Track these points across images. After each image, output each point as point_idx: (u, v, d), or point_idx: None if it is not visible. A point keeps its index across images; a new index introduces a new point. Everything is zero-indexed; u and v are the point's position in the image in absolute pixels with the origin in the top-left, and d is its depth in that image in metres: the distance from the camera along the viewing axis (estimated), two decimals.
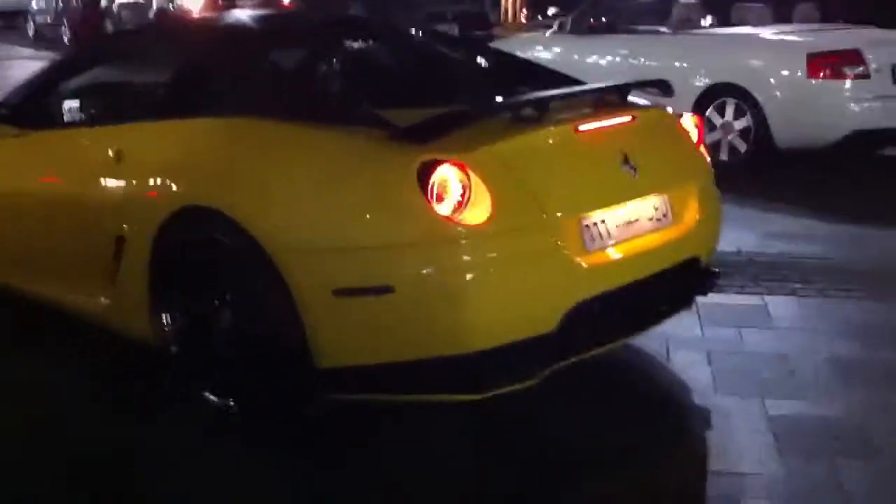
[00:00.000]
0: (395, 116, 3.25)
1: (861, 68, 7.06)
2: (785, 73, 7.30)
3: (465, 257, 3.03)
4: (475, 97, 3.85)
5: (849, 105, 7.13)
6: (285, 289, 3.18)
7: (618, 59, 8.41)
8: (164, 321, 3.61)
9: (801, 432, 3.34)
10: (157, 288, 3.60)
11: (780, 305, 4.54)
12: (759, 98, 7.32)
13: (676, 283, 3.64)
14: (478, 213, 3.05)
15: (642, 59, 8.16)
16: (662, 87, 4.02)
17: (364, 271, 3.08)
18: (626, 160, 3.44)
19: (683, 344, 4.03)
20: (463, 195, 3.04)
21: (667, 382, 3.79)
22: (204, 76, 3.78)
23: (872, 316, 4.43)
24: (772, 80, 7.33)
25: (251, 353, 3.34)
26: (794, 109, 7.23)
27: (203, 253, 3.44)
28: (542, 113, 3.34)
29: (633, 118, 3.60)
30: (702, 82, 7.55)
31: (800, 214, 6.25)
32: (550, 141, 3.33)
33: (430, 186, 3.02)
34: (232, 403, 3.41)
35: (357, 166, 3.17)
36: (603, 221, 3.34)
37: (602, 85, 3.66)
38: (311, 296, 3.15)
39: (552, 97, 3.42)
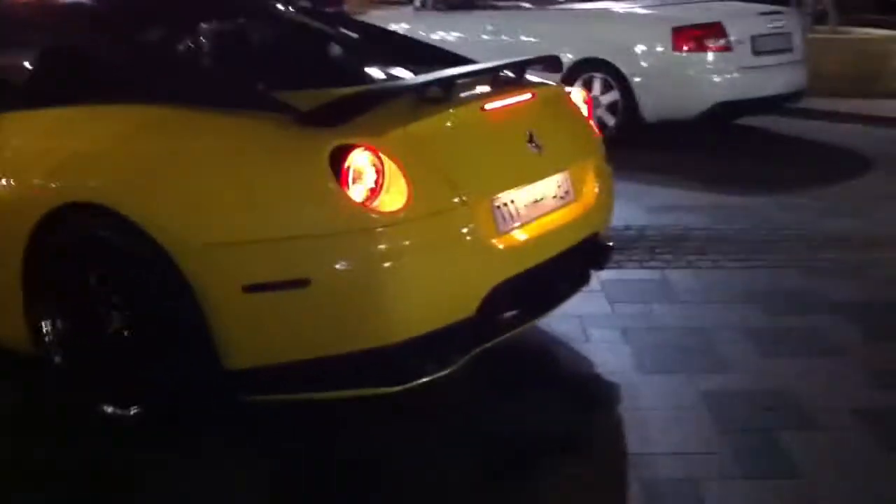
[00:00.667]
0: (289, 100, 3.02)
1: (723, 41, 7.23)
2: (651, 46, 7.39)
3: (384, 245, 2.84)
4: (366, 77, 3.66)
5: (713, 77, 7.30)
6: (187, 288, 2.91)
7: (484, 35, 8.33)
8: (44, 329, 3.28)
9: (735, 406, 3.32)
10: (34, 293, 3.27)
11: (681, 278, 4.54)
12: (626, 72, 7.39)
13: (579, 259, 3.59)
14: (394, 199, 2.87)
15: (507, 36, 8.11)
16: (553, 63, 3.96)
17: (277, 265, 2.84)
18: (531, 139, 3.35)
19: (597, 322, 3.96)
20: (377, 181, 2.87)
21: (591, 364, 3.69)
22: (77, 59, 3.45)
23: (768, 284, 4.48)
24: (638, 54, 7.41)
25: (151, 358, 3.09)
26: (660, 83, 7.32)
27: (87, 254, 3.12)
28: (448, 92, 3.20)
29: (534, 95, 3.52)
30: (568, 58, 7.56)
31: (677, 186, 6.33)
32: (459, 121, 3.17)
33: (343, 173, 2.83)
34: (132, 413, 3.15)
35: (264, 154, 2.91)
36: (513, 201, 3.23)
37: (500, 62, 3.54)
38: (217, 294, 2.90)
39: (457, 76, 3.28)
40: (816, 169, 6.90)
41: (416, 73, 3.70)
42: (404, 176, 2.90)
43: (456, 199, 3.01)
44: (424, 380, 3.01)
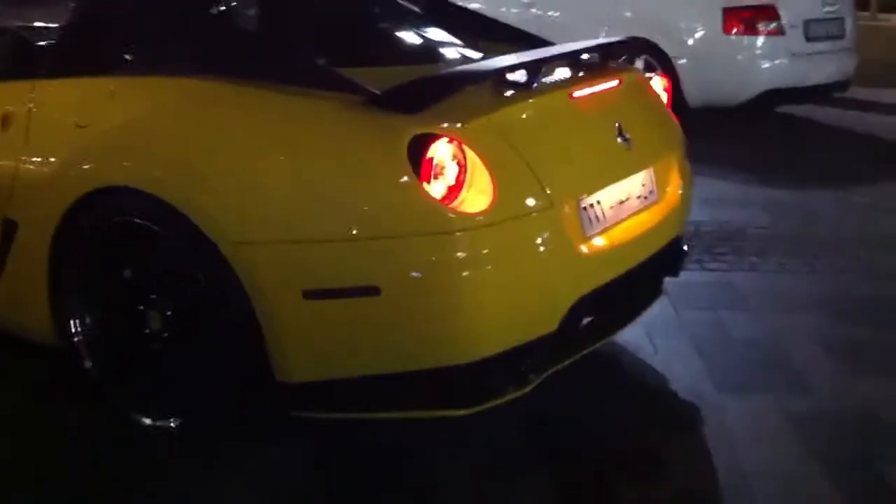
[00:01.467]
0: (354, 78, 2.70)
1: (775, 24, 6.87)
2: (699, 27, 7.03)
3: (466, 251, 2.51)
4: (434, 54, 3.32)
5: (763, 62, 6.95)
6: (240, 289, 2.60)
7: (513, 9, 7.95)
8: (73, 328, 2.95)
9: (827, 433, 3.03)
10: (62, 288, 2.94)
11: (746, 282, 4.23)
12: (671, 53, 7.04)
13: (658, 266, 3.27)
14: (478, 197, 2.54)
15: (546, 10, 7.74)
16: (638, 47, 3.60)
17: (343, 268, 2.53)
18: (619, 131, 3.03)
19: (664, 332, 3.64)
20: (458, 177, 2.55)
21: (664, 380, 3.39)
22: (117, 21, 3.09)
23: (837, 290, 4.19)
24: (684, 35, 7.06)
25: (194, 365, 2.77)
26: (707, 66, 6.98)
27: (124, 246, 2.81)
28: (533, 77, 2.86)
29: (620, 82, 3.18)
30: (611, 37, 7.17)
31: (726, 178, 5.97)
32: (546, 110, 2.84)
33: (424, 166, 2.50)
34: (173, 425, 2.83)
35: (332, 140, 2.59)
36: (599, 202, 2.89)
37: (584, 44, 3.19)
38: (274, 298, 2.58)
39: (544, 59, 2.94)
40: (868, 163, 6.57)
41: (484, 52, 3.35)
42: (489, 172, 2.56)
43: (543, 200, 2.68)
44: (497, 402, 2.70)
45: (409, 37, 3.63)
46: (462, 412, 2.67)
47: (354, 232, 2.53)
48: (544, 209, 2.68)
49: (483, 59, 3.16)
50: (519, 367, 2.69)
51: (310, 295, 2.56)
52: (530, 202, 2.64)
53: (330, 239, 2.54)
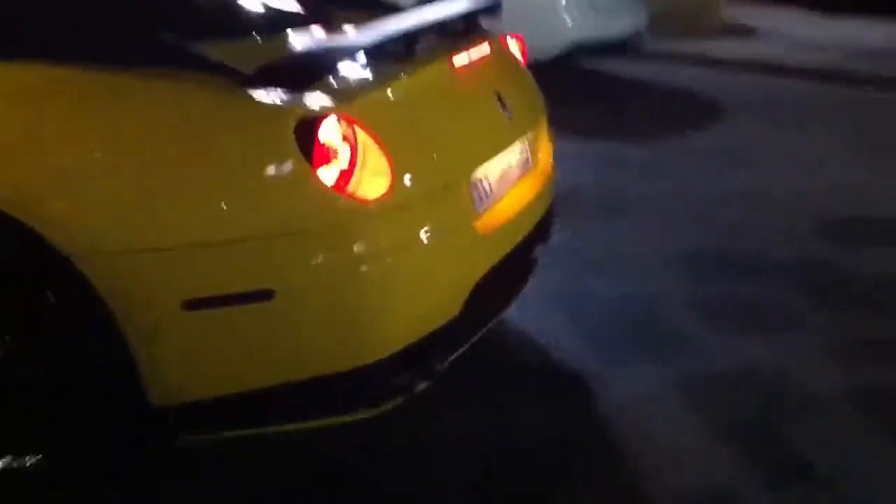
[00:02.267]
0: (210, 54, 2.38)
1: None
2: None
3: (367, 242, 2.29)
4: (280, 23, 3.01)
5: (570, 16, 7.01)
6: (98, 305, 2.25)
7: None
8: None
9: (715, 396, 3.02)
10: None
11: (599, 243, 4.24)
12: None
13: (537, 235, 3.15)
14: (374, 181, 2.30)
15: None
16: (492, 9, 3.42)
17: (229, 273, 2.22)
18: (500, 99, 2.86)
19: (537, 303, 3.55)
20: (352, 160, 2.30)
21: (546, 357, 3.31)
22: None
23: (691, 248, 4.25)
24: None
25: (48, 396, 2.38)
26: (519, 22, 6.91)
27: None
28: (413, 47, 2.63)
29: (491, 48, 3.00)
30: None
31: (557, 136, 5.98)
32: (431, 82, 2.63)
33: (316, 150, 2.23)
34: (29, 463, 2.42)
35: (206, 128, 2.26)
36: (486, 177, 2.72)
37: (452, 8, 2.97)
38: (146, 313, 2.24)
39: (420, 28, 2.69)
40: (689, 117, 6.72)
41: (333, 20, 3.07)
42: (384, 152, 2.32)
43: (440, 179, 2.49)
44: (405, 398, 2.49)
45: (250, 5, 3.28)
46: (371, 413, 2.44)
47: (239, 231, 2.22)
48: (443, 189, 2.48)
49: (340, 28, 2.87)
50: (425, 358, 2.48)
51: (190, 305, 2.24)
52: (428, 183, 2.43)
53: (211, 241, 2.22)
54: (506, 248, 2.76)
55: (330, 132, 2.24)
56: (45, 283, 2.29)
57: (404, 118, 2.46)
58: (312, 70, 2.32)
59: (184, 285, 2.24)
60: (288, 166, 2.22)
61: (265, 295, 2.23)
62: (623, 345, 3.36)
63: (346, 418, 2.44)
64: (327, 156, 2.23)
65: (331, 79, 2.35)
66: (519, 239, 2.85)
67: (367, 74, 2.47)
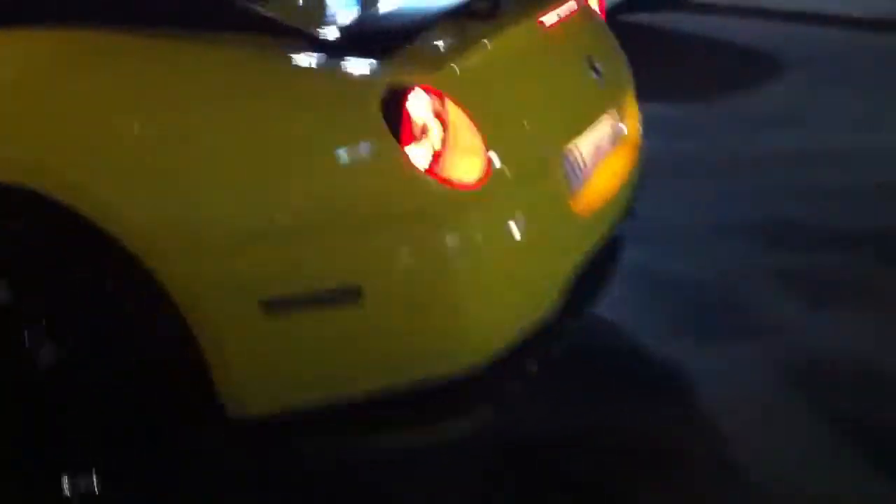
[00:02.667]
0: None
1: None
2: None
3: (466, 232, 2.00)
4: None
5: None
6: (168, 307, 1.98)
7: None
8: None
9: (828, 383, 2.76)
10: None
11: (660, 212, 3.89)
12: None
13: (628, 212, 2.86)
14: (469, 163, 2.01)
15: None
16: None
17: (312, 269, 1.95)
18: (591, 63, 2.56)
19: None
20: (443, 139, 2.01)
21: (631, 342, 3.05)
22: None
23: (763, 215, 3.96)
24: None
25: (113, 407, 2.13)
26: None
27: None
28: (497, 5, 2.33)
29: (577, 4, 2.70)
30: None
31: None
32: (520, 43, 2.33)
33: (405, 127, 1.95)
34: (95, 484, 2.17)
35: (280, 102, 1.97)
36: (579, 150, 2.44)
37: None
38: (220, 316, 1.97)
39: None
40: (734, 72, 6.39)
41: None
42: (477, 128, 2.04)
43: (536, 155, 2.20)
44: (504, 402, 2.24)
45: None
46: (467, 424, 2.18)
47: (323, 221, 1.95)
48: (537, 168, 2.20)
49: None
50: (524, 358, 2.21)
51: (270, 307, 1.97)
52: (522, 161, 2.14)
53: (292, 233, 1.95)
54: (602, 229, 2.49)
55: (420, 106, 1.96)
56: (107, 283, 2.02)
57: (494, 88, 2.17)
58: (397, 34, 2.03)
59: (262, 284, 1.96)
60: (373, 144, 1.94)
61: (351, 294, 1.96)
62: (713, 327, 3.09)
63: (439, 430, 2.17)
64: (417, 133, 1.95)
65: (415, 45, 2.05)
66: (614, 218, 2.57)
67: (451, 39, 2.17)
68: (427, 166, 1.95)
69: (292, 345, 2.02)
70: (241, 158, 1.95)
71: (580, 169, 2.41)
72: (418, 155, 1.95)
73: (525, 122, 2.20)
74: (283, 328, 1.99)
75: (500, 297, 2.08)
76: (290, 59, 1.99)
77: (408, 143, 1.94)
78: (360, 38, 2.02)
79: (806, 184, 4.28)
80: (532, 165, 2.17)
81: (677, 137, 4.84)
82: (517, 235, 2.10)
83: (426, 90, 1.97)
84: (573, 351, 2.73)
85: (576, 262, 2.33)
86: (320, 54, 1.99)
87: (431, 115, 1.97)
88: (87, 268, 2.03)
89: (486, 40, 2.22)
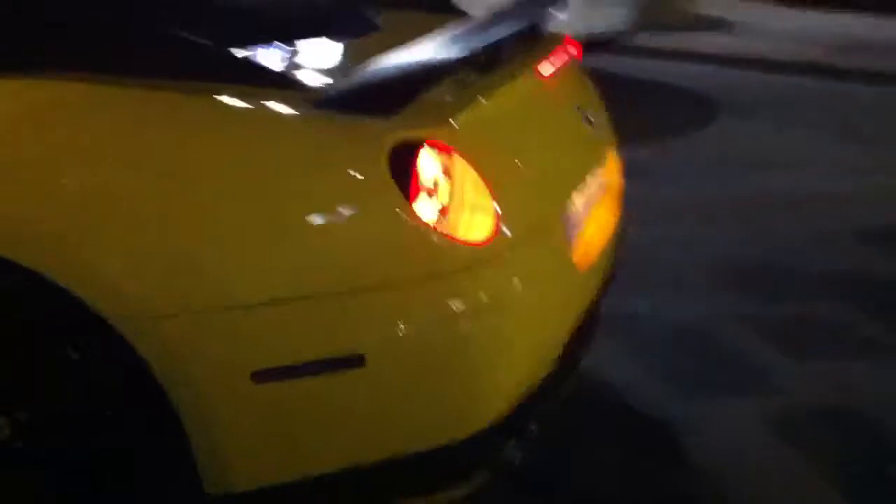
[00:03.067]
0: None
1: None
2: None
3: (477, 293, 1.88)
4: (333, 28, 2.58)
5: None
6: (147, 378, 1.81)
7: None
8: None
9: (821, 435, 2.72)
10: None
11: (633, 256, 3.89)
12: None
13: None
14: (479, 220, 1.91)
15: None
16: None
17: (312, 337, 1.81)
18: (584, 113, 2.49)
19: None
20: (452, 196, 1.90)
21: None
22: None
23: (734, 259, 3.93)
24: None
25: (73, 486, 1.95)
26: None
27: None
28: (497, 57, 2.23)
29: (568, 53, 2.63)
30: None
31: None
32: (520, 96, 2.24)
33: (412, 183, 1.84)
34: None
35: (279, 157, 1.84)
36: (574, 201, 2.36)
37: (526, 8, 2.57)
38: (209, 386, 1.82)
39: (502, 37, 2.28)
40: (689, 116, 6.41)
41: (375, 20, 2.63)
42: (486, 184, 1.93)
43: (543, 211, 2.10)
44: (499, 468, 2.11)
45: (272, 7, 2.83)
46: (465, 491, 2.05)
47: (324, 283, 1.82)
48: (545, 222, 2.10)
49: (400, 35, 2.44)
50: (526, 419, 2.10)
51: (263, 377, 1.82)
52: (529, 217, 2.04)
53: (289, 297, 1.81)
54: (597, 281, 2.40)
55: (429, 162, 1.85)
56: (73, 348, 1.86)
57: (499, 142, 2.07)
58: (401, 88, 1.91)
59: (254, 353, 1.82)
60: (381, 202, 1.82)
61: (354, 361, 1.83)
62: (695, 377, 3.03)
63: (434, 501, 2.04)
64: (427, 191, 1.84)
65: (419, 99, 1.94)
66: (608, 268, 2.48)
67: (453, 91, 2.07)
68: (436, 224, 1.84)
69: (286, 416, 1.87)
70: (238, 219, 1.81)
71: (574, 220, 2.31)
72: (426, 212, 1.83)
73: (529, 176, 2.11)
74: (275, 399, 1.84)
75: (509, 359, 1.97)
76: (292, 114, 1.87)
77: (415, 199, 1.82)
78: (363, 92, 1.90)
79: (785, 228, 4.28)
80: (538, 220, 2.07)
81: (646, 181, 4.81)
82: (527, 295, 1.99)
83: (435, 146, 1.86)
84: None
85: (576, 317, 2.24)
86: (323, 109, 1.87)
87: (440, 172, 1.86)
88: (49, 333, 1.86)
89: (488, 92, 2.12)
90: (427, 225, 1.82)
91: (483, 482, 2.06)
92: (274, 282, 1.80)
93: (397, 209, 1.81)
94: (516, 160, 2.09)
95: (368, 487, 1.98)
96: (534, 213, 2.07)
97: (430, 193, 1.85)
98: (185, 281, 1.79)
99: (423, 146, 1.84)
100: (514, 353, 1.97)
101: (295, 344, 1.82)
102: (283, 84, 1.90)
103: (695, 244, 4.09)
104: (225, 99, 1.87)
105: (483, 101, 2.08)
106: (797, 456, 2.63)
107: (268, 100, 1.86)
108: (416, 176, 1.82)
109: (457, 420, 1.93)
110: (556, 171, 2.25)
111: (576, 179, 2.32)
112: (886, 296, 3.61)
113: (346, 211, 1.84)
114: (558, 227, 2.18)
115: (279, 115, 1.87)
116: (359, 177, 1.84)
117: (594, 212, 2.49)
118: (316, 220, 1.84)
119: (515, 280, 1.96)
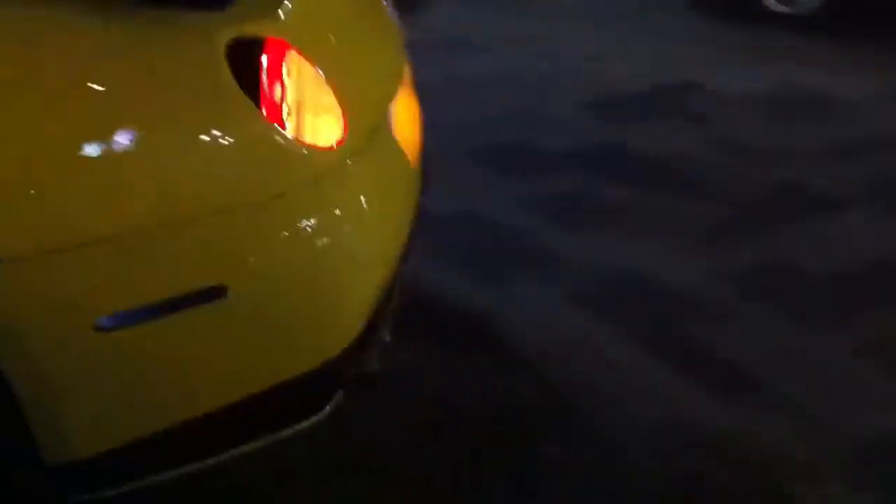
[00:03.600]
0: None
1: None
2: None
3: (338, 202, 1.72)
4: None
5: None
6: None
7: None
8: None
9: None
10: None
11: None
12: None
13: None
14: (328, 123, 1.74)
15: None
16: None
17: (160, 272, 1.57)
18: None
19: None
20: (297, 98, 1.70)
21: None
22: None
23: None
24: None
25: None
26: None
27: None
28: None
29: None
30: None
31: None
32: None
33: (261, 87, 1.61)
34: None
35: (101, 65, 1.54)
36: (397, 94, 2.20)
37: None
38: (42, 342, 1.55)
39: None
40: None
41: None
42: (329, 82, 1.76)
43: (376, 110, 1.96)
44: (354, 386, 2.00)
45: None
46: (321, 416, 1.92)
47: (173, 209, 1.58)
48: (382, 119, 1.96)
49: None
50: (381, 327, 1.99)
51: (108, 325, 1.58)
52: (369, 117, 1.90)
53: (134, 229, 1.56)
54: (420, 173, 2.29)
55: (274, 61, 1.63)
56: None
57: (327, 35, 1.88)
58: None
59: (96, 298, 1.56)
60: (227, 113, 1.60)
61: (214, 292, 1.62)
62: (488, 265, 3.04)
63: (287, 432, 1.89)
64: (274, 94, 1.63)
65: None
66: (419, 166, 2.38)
67: None
68: (290, 132, 1.65)
69: (135, 365, 1.64)
70: (60, 146, 1.52)
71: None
72: (277, 119, 1.63)
73: (359, 72, 1.94)
74: (124, 348, 1.60)
75: (367, 270, 1.84)
76: (108, 16, 1.57)
77: (266, 105, 1.61)
78: None
79: (506, 105, 4.31)
80: (376, 118, 1.93)
81: None
82: (380, 200, 1.86)
83: (274, 43, 1.64)
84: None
85: (413, 219, 2.13)
86: (141, 6, 1.59)
87: (285, 71, 1.66)
88: None
89: None
90: (280, 133, 1.63)
91: (340, 402, 1.95)
92: (111, 213, 1.53)
93: (248, 119, 1.60)
94: (346, 54, 1.91)
95: (232, 429, 1.80)
96: (371, 111, 1.92)
97: (276, 98, 1.64)
98: (6, 220, 1.48)
99: (265, 44, 1.62)
100: (371, 264, 1.85)
101: (144, 282, 1.58)
102: None
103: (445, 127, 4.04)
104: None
105: None
106: (603, 328, 2.71)
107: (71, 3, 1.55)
108: (264, 78, 1.61)
109: (325, 342, 1.79)
110: (380, 63, 2.09)
111: (398, 70, 2.17)
112: (624, 163, 3.77)
113: (187, 126, 1.60)
114: (389, 123, 2.04)
115: (92, 18, 1.56)
116: (196, 81, 1.59)
117: (403, 105, 2.38)
118: (153, 137, 1.57)
119: (368, 185, 1.82)
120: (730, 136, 3.97)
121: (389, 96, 2.05)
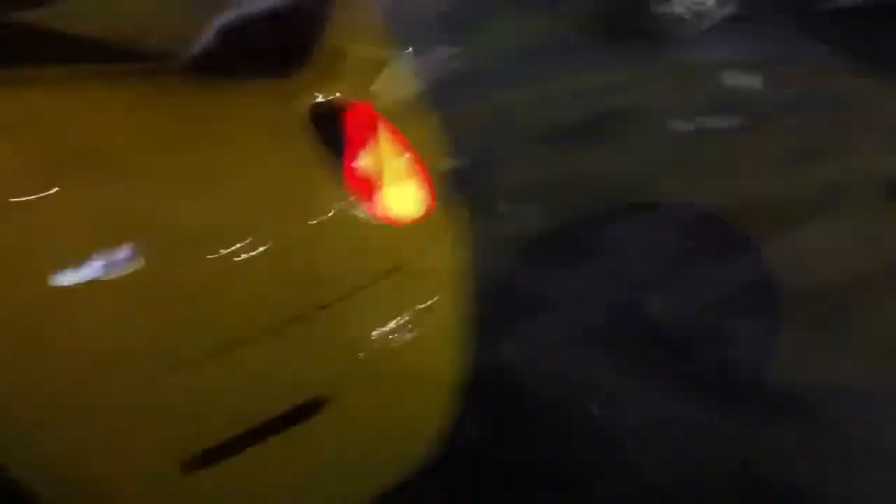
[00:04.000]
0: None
1: None
2: None
3: (430, 283, 1.48)
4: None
5: None
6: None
7: None
8: None
9: None
10: None
11: None
12: None
13: None
14: (408, 195, 1.50)
15: None
16: None
17: (257, 392, 1.30)
18: None
19: None
20: (383, 168, 1.46)
21: None
22: None
23: None
24: None
25: None
26: None
27: None
28: None
29: None
30: None
31: None
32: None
33: (346, 155, 1.37)
34: None
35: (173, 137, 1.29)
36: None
37: None
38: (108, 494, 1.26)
39: None
40: None
41: None
42: (411, 152, 1.52)
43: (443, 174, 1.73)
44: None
45: None
46: None
47: (264, 316, 1.31)
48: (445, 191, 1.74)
49: None
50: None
51: (190, 465, 1.30)
52: (442, 187, 1.66)
53: (228, 343, 1.29)
54: None
55: (359, 127, 1.40)
56: None
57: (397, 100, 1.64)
58: (296, 40, 1.41)
59: (181, 436, 1.28)
60: (309, 179, 1.35)
61: (311, 407, 1.36)
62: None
63: None
64: (360, 165, 1.39)
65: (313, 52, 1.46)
66: None
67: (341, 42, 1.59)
68: (377, 205, 1.41)
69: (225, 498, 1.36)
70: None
71: None
72: (366, 193, 1.39)
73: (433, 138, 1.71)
74: (212, 485, 1.32)
75: (463, 351, 1.60)
76: (167, 89, 1.30)
77: (353, 180, 1.37)
78: (239, 48, 1.38)
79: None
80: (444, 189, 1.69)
81: None
82: (464, 275, 1.62)
83: (360, 106, 1.41)
84: None
85: None
86: (199, 75, 1.33)
87: (372, 140, 1.42)
88: None
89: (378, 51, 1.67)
90: (371, 208, 1.39)
91: None
92: (209, 329, 1.26)
93: (338, 195, 1.35)
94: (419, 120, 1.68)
95: None
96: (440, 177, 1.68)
97: (363, 169, 1.40)
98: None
99: (350, 108, 1.38)
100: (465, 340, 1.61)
101: (236, 408, 1.31)
102: (129, 57, 1.31)
103: None
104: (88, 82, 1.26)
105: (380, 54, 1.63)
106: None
107: (128, 77, 1.28)
108: (350, 145, 1.37)
109: (423, 448, 1.54)
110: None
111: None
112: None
113: (266, 204, 1.33)
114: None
115: (149, 93, 1.29)
116: (275, 152, 1.33)
117: None
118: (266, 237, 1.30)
119: (455, 260, 1.58)
120: None
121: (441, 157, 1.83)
